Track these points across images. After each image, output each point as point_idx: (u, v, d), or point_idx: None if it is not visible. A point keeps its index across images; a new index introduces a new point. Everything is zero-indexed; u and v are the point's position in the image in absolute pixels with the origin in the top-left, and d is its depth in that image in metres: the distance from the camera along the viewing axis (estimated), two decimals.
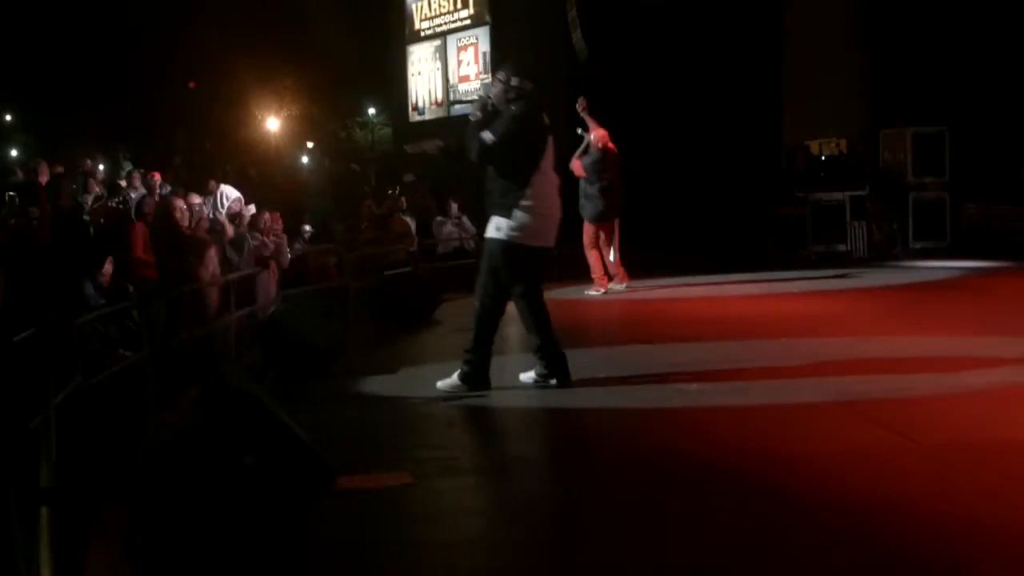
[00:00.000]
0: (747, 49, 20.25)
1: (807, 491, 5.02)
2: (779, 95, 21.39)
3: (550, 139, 7.62)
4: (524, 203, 7.32)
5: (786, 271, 15.08)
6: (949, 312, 11.22)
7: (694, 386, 7.43)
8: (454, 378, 7.49)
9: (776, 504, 4.87)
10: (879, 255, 16.97)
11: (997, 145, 19.02)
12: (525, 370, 7.73)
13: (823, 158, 19.26)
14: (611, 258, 13.32)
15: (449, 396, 7.37)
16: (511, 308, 7.62)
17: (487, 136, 7.36)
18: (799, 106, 21.38)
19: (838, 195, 17.25)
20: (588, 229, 13.11)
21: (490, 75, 7.82)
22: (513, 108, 7.47)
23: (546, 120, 7.70)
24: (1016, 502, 4.75)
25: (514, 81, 7.52)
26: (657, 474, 5.49)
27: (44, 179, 12.65)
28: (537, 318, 7.50)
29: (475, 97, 7.78)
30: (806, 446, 5.84)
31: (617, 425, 6.72)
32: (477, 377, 7.46)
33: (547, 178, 7.55)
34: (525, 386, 7.59)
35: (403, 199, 17.88)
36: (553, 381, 7.54)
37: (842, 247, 17.15)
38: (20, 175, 13.69)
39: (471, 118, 7.63)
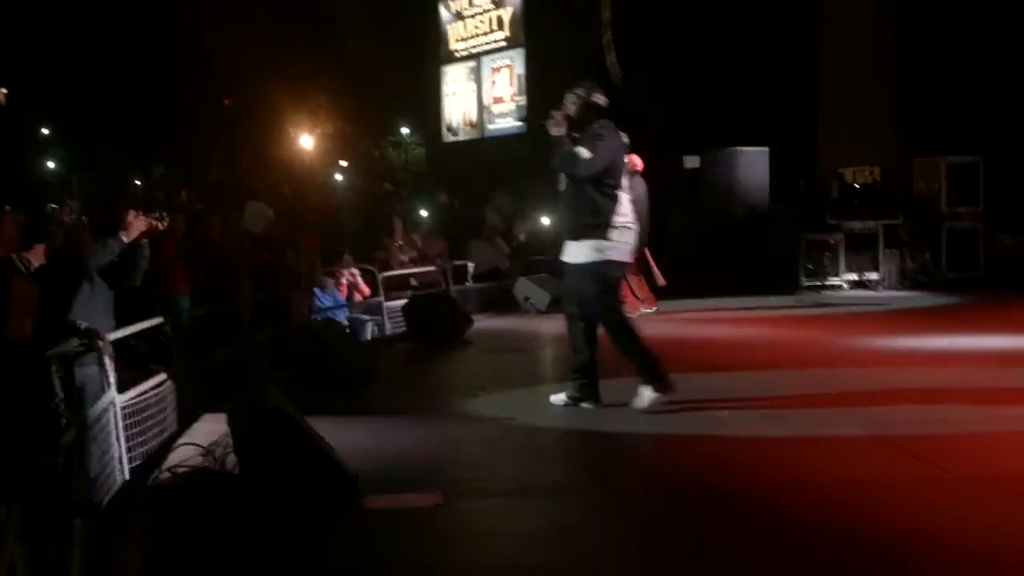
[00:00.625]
0: (782, 76, 20.27)
1: (835, 520, 5.00)
2: (815, 123, 21.38)
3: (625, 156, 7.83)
4: (617, 220, 7.42)
5: (818, 296, 15.05)
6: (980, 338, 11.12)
7: (724, 413, 7.42)
8: (648, 393, 7.39)
9: (808, 532, 4.85)
10: (912, 284, 16.87)
11: None
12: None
13: (857, 186, 19.15)
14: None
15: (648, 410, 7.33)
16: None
17: (583, 152, 7.41)
18: (834, 134, 21.36)
19: (871, 223, 17.14)
20: None
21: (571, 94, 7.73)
22: (597, 125, 7.53)
23: (624, 137, 7.82)
24: None
25: (594, 97, 7.62)
26: (688, 500, 5.48)
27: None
28: (594, 335, 7.56)
29: (552, 114, 7.60)
30: (838, 475, 5.81)
31: (651, 450, 6.70)
32: (660, 377, 7.41)
33: (625, 193, 7.65)
34: (558, 408, 7.57)
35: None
36: (586, 404, 7.54)
37: (874, 276, 17.04)
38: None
39: (554, 134, 7.58)
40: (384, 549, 4.88)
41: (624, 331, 7.52)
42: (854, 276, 16.93)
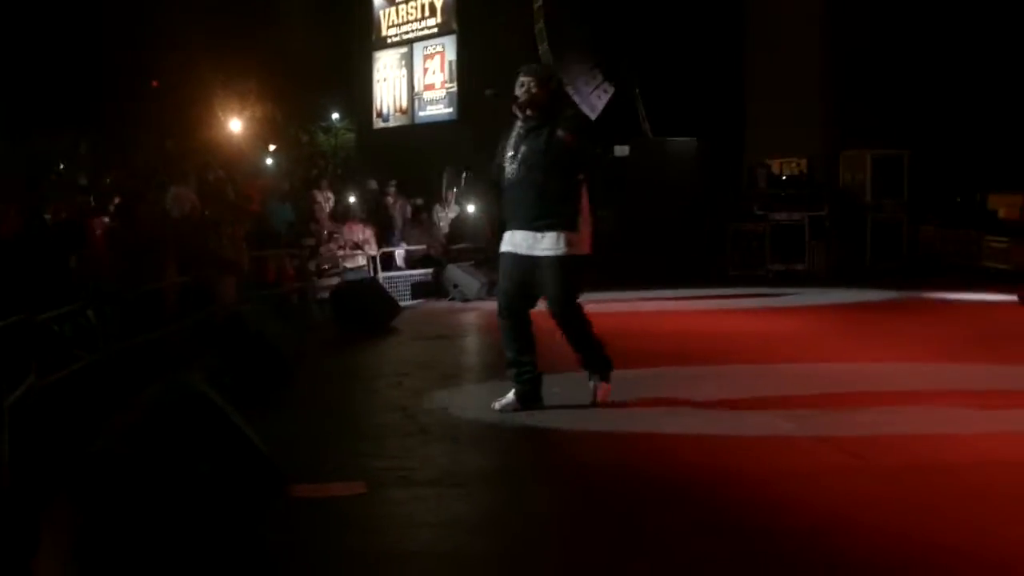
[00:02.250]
0: (711, 67, 20.45)
1: (768, 513, 5.06)
2: (742, 113, 21.60)
3: None
4: (582, 212, 7.18)
5: (744, 288, 15.15)
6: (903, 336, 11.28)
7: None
8: (595, 385, 7.27)
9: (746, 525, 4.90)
10: (836, 275, 17.12)
11: (954, 169, 19.27)
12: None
13: (783, 177, 19.39)
14: None
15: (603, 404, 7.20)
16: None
17: (562, 135, 7.05)
18: (760, 124, 21.59)
19: (798, 215, 17.37)
20: None
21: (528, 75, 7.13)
22: (571, 112, 7.41)
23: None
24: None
25: (557, 78, 7.42)
26: (621, 493, 5.50)
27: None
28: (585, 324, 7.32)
29: (517, 96, 7.03)
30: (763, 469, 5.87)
31: (580, 443, 6.57)
32: (605, 365, 7.31)
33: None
34: (485, 398, 7.49)
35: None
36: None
37: (800, 266, 17.27)
38: None
39: (520, 114, 7.12)
40: (308, 538, 4.86)
41: (584, 324, 7.29)
42: (781, 266, 17.13)
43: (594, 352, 7.33)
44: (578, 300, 7.28)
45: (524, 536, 4.95)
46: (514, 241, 7.26)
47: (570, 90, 6.81)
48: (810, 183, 18.97)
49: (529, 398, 7.21)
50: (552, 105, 7.16)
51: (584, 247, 7.19)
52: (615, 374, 7.38)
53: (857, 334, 11.33)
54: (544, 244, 7.12)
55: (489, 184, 7.92)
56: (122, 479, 4.93)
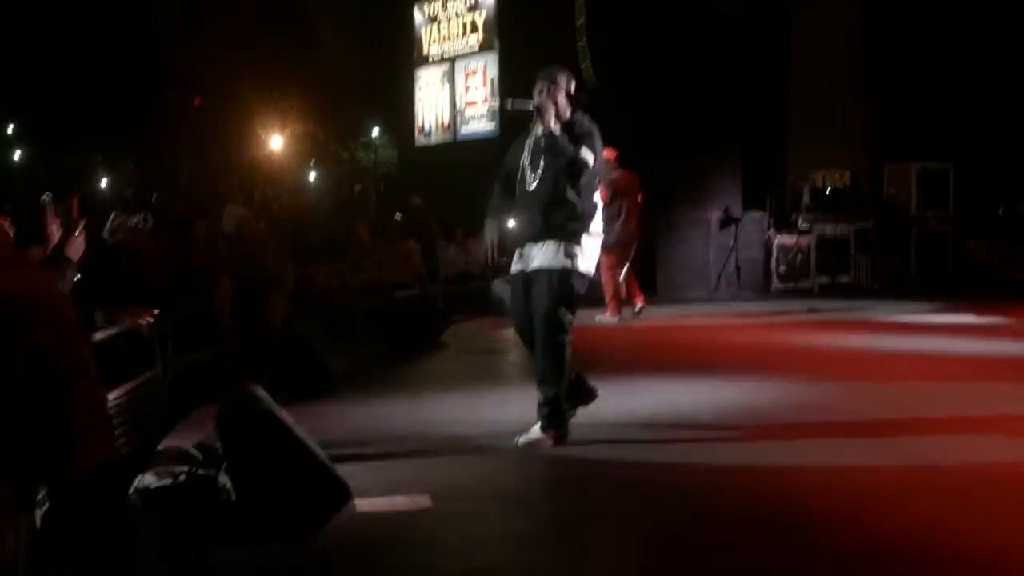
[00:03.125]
0: (753, 80, 20.39)
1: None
2: (784, 126, 21.53)
3: None
4: (593, 227, 6.82)
5: (792, 301, 15.11)
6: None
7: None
8: (537, 430, 6.75)
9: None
10: (882, 288, 17.05)
11: (999, 181, 19.18)
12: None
13: (828, 191, 19.34)
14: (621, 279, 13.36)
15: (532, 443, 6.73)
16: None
17: (587, 156, 6.68)
18: (804, 138, 21.52)
19: (843, 228, 17.32)
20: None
21: (545, 81, 6.76)
22: (585, 122, 6.83)
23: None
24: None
25: (573, 87, 6.91)
26: (686, 510, 5.53)
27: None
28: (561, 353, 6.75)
29: (533, 104, 6.69)
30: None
31: (643, 466, 6.49)
32: (561, 424, 6.76)
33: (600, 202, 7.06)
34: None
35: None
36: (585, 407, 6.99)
37: (846, 279, 17.21)
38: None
39: (540, 130, 6.76)
40: (375, 553, 4.91)
41: (559, 352, 6.71)
42: (826, 279, 17.09)
43: (554, 398, 6.72)
44: (565, 322, 6.72)
45: (589, 550, 4.99)
46: (522, 257, 6.91)
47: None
48: (855, 196, 18.91)
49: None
50: (567, 112, 6.79)
51: (585, 264, 6.79)
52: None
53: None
54: (542, 255, 6.74)
55: (497, 191, 7.24)
56: (189, 496, 5.00)
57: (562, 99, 6.80)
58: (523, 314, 6.89)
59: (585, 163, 6.66)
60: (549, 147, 6.71)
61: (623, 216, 12.98)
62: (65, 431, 2.20)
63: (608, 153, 12.97)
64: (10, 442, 2.21)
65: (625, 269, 13.26)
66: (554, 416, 6.70)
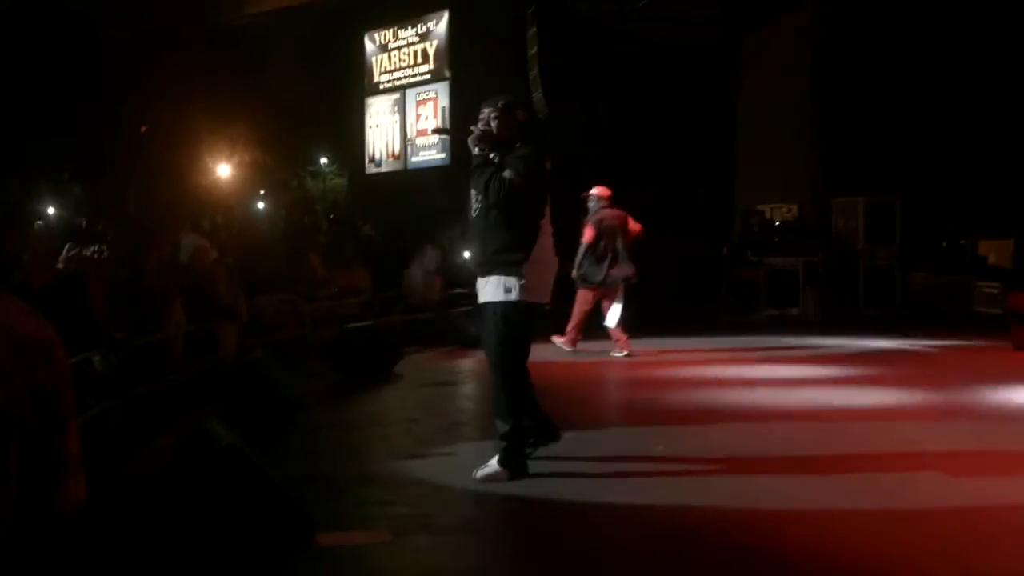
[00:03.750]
0: (701, 113, 20.64)
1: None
2: (732, 159, 21.77)
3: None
4: (536, 256, 6.60)
5: (742, 336, 15.08)
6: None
7: (660, 447, 7.53)
8: (494, 464, 6.65)
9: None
10: (830, 320, 17.21)
11: (944, 215, 19.46)
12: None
13: (777, 223, 19.55)
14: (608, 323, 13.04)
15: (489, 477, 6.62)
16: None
17: (510, 175, 6.49)
18: (751, 170, 21.77)
19: (792, 260, 17.49)
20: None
21: (488, 107, 6.67)
22: (521, 146, 6.65)
23: (548, 163, 6.85)
24: None
25: (519, 113, 6.81)
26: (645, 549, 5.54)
27: None
28: (515, 389, 6.69)
29: (472, 128, 6.62)
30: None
31: (595, 500, 6.55)
32: (519, 460, 6.69)
33: (546, 228, 6.81)
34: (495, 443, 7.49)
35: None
36: (550, 445, 6.95)
37: (795, 311, 17.36)
38: None
39: (475, 151, 6.66)
40: None
41: (513, 389, 6.65)
42: (775, 312, 17.23)
43: (510, 433, 6.64)
44: (517, 356, 6.67)
45: None
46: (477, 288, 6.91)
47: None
48: (803, 229, 19.12)
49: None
50: (508, 140, 6.68)
51: (532, 294, 6.63)
52: None
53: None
54: (486, 290, 6.70)
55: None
56: (150, 529, 4.96)
57: (499, 124, 6.68)
58: (485, 346, 6.90)
59: (504, 181, 6.45)
60: (474, 170, 6.65)
61: (609, 257, 12.77)
62: (57, 468, 2.20)
63: (601, 191, 12.93)
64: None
65: (617, 313, 12.87)
66: (511, 451, 6.64)
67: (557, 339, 13.10)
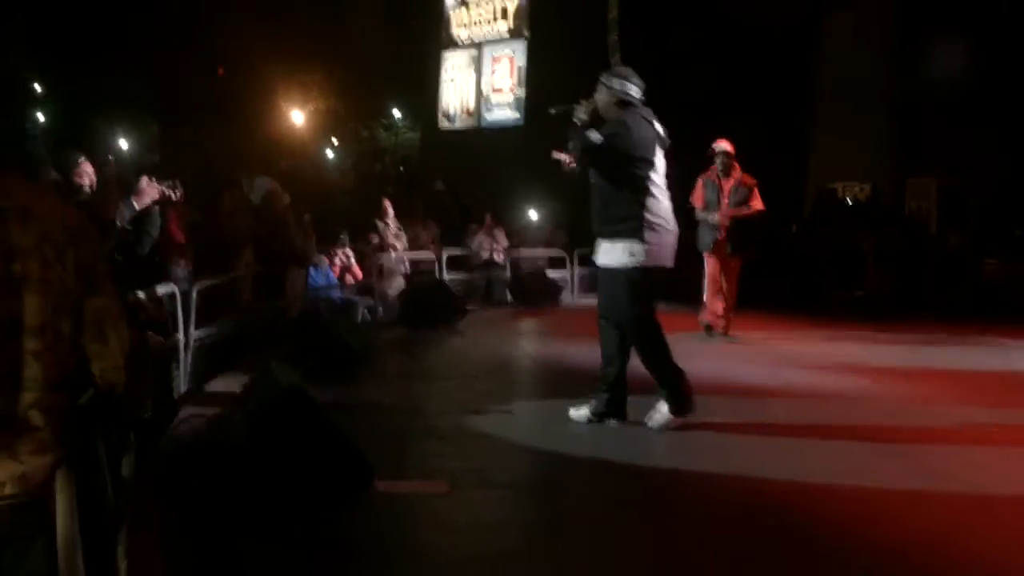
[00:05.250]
0: (778, 88, 20.41)
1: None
2: (808, 136, 21.54)
3: (661, 151, 7.10)
4: (651, 218, 6.88)
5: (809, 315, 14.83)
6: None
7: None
8: (664, 412, 7.00)
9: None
10: (898, 303, 17.01)
11: (1020, 202, 19.16)
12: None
13: (849, 202, 19.34)
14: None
15: (661, 428, 6.97)
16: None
17: (594, 135, 6.85)
18: (827, 148, 21.53)
19: (862, 240, 17.30)
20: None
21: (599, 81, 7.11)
22: (625, 112, 6.99)
23: (659, 129, 7.10)
24: None
25: (619, 85, 7.06)
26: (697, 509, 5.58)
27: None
28: (625, 347, 7.08)
29: (581, 102, 6.94)
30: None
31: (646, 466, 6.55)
32: (681, 398, 7.01)
33: (663, 191, 7.08)
34: (553, 404, 7.60)
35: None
36: (611, 422, 7.15)
37: (860, 292, 17.19)
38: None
39: (576, 120, 6.98)
40: (396, 534, 4.98)
41: (652, 342, 7.02)
42: (843, 292, 17.06)
43: (668, 378, 7.01)
44: (648, 314, 7.01)
45: (598, 539, 5.02)
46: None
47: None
48: (876, 209, 18.89)
49: (597, 410, 7.14)
50: (610, 107, 7.04)
51: (650, 257, 6.91)
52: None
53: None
54: (610, 254, 7.04)
55: None
56: (217, 469, 5.05)
57: (602, 96, 7.04)
58: (600, 302, 7.27)
59: (586, 139, 6.83)
60: (569, 135, 7.02)
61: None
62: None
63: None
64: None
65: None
66: (673, 395, 6.97)
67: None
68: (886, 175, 20.50)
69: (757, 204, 11.61)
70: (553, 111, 7.29)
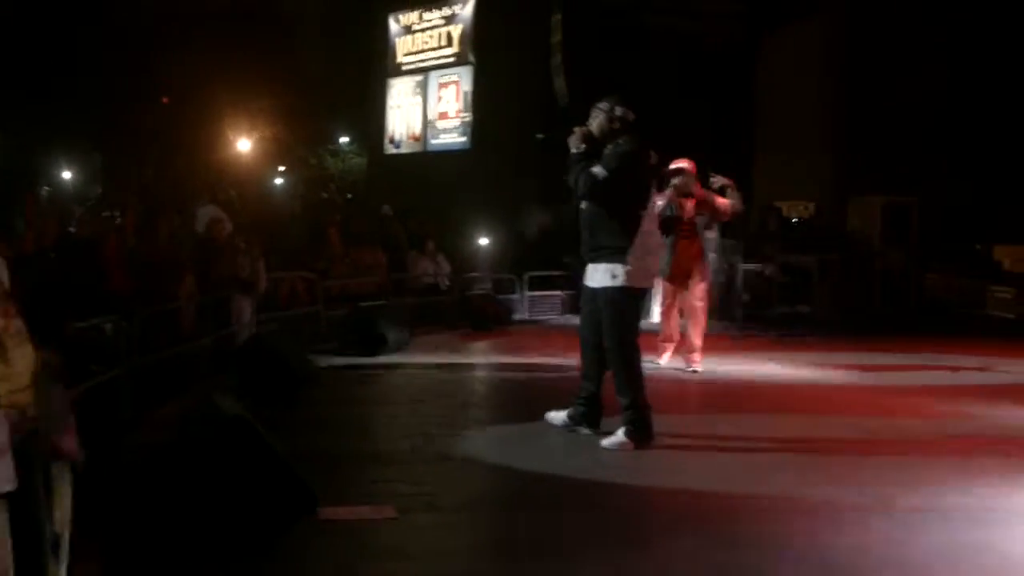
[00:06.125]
0: (722, 107, 20.59)
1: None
2: (751, 155, 21.72)
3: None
4: (640, 242, 7.14)
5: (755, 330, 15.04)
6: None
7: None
8: (620, 437, 7.12)
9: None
10: (843, 318, 17.16)
11: (960, 219, 19.45)
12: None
13: (793, 220, 19.53)
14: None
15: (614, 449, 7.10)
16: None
17: (598, 171, 7.08)
18: (770, 167, 21.75)
19: (807, 258, 17.45)
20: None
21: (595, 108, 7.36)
22: (621, 142, 7.22)
23: (652, 156, 7.40)
24: None
25: (619, 111, 7.30)
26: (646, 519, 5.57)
27: None
28: (630, 366, 7.23)
29: (575, 129, 7.21)
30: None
31: (605, 480, 6.58)
32: (642, 432, 7.14)
33: (650, 216, 7.39)
34: (501, 427, 7.61)
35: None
36: (584, 430, 7.41)
37: (807, 309, 17.32)
38: None
39: (573, 150, 7.23)
40: (342, 561, 4.92)
41: (628, 368, 7.20)
42: (787, 308, 17.19)
43: (633, 404, 7.12)
44: (629, 335, 7.23)
45: (551, 560, 4.99)
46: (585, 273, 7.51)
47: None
48: (820, 227, 19.08)
49: (573, 416, 7.45)
50: (605, 139, 7.25)
51: (637, 279, 7.18)
52: None
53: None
54: (595, 276, 7.27)
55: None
56: (156, 499, 4.98)
57: (597, 123, 7.31)
58: (582, 323, 7.57)
59: (591, 175, 7.05)
60: (569, 166, 7.28)
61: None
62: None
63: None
64: None
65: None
66: (635, 422, 7.12)
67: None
68: (829, 194, 20.72)
69: (724, 205, 11.00)
70: (540, 136, 7.51)
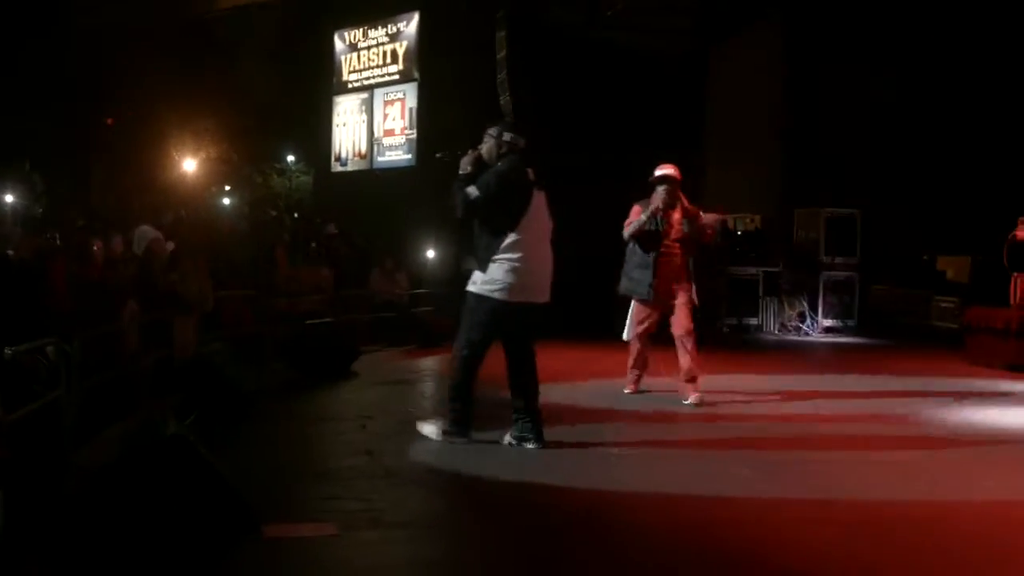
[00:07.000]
0: (668, 122, 20.68)
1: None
2: (699, 168, 21.82)
3: (537, 194, 7.56)
4: (502, 257, 7.42)
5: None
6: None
7: (615, 450, 7.60)
8: (436, 427, 7.73)
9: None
10: (788, 331, 17.32)
11: (904, 230, 19.65)
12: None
13: (739, 233, 19.65)
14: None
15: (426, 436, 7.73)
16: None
17: (472, 191, 7.45)
18: (717, 180, 21.86)
19: (752, 270, 17.57)
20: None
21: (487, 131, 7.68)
22: (500, 164, 7.58)
23: (532, 176, 7.58)
24: None
25: (506, 136, 7.65)
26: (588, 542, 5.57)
27: None
28: (521, 375, 7.62)
29: (469, 152, 7.62)
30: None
31: (546, 490, 6.61)
32: (461, 426, 7.63)
33: (533, 233, 7.54)
34: (452, 444, 7.60)
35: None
36: (530, 445, 7.55)
37: (753, 321, 17.44)
38: None
39: (460, 171, 7.61)
40: None
41: (466, 370, 7.59)
42: (734, 321, 17.30)
43: (460, 402, 7.62)
44: (476, 341, 7.54)
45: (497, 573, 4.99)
46: None
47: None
48: (765, 239, 19.21)
49: (516, 435, 7.64)
50: (493, 161, 7.62)
51: (513, 294, 7.44)
52: None
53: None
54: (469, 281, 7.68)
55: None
56: (98, 520, 4.92)
57: (487, 147, 7.66)
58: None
59: (465, 196, 7.46)
60: (453, 186, 7.61)
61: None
62: None
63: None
64: None
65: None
66: (457, 420, 7.66)
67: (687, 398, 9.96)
68: (775, 206, 20.86)
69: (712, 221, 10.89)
70: (439, 155, 8.03)
